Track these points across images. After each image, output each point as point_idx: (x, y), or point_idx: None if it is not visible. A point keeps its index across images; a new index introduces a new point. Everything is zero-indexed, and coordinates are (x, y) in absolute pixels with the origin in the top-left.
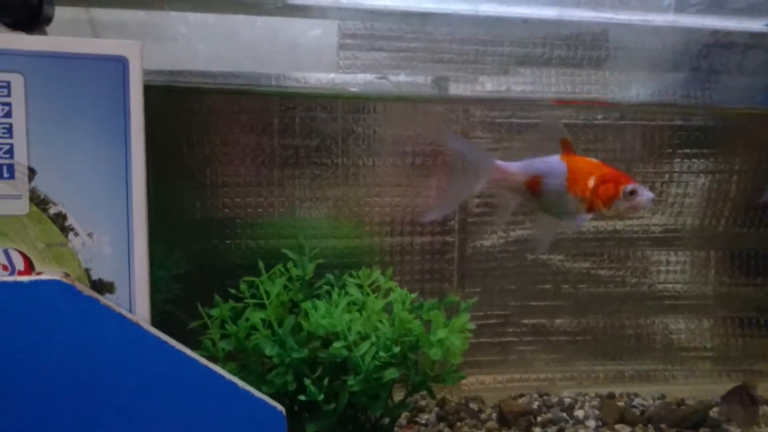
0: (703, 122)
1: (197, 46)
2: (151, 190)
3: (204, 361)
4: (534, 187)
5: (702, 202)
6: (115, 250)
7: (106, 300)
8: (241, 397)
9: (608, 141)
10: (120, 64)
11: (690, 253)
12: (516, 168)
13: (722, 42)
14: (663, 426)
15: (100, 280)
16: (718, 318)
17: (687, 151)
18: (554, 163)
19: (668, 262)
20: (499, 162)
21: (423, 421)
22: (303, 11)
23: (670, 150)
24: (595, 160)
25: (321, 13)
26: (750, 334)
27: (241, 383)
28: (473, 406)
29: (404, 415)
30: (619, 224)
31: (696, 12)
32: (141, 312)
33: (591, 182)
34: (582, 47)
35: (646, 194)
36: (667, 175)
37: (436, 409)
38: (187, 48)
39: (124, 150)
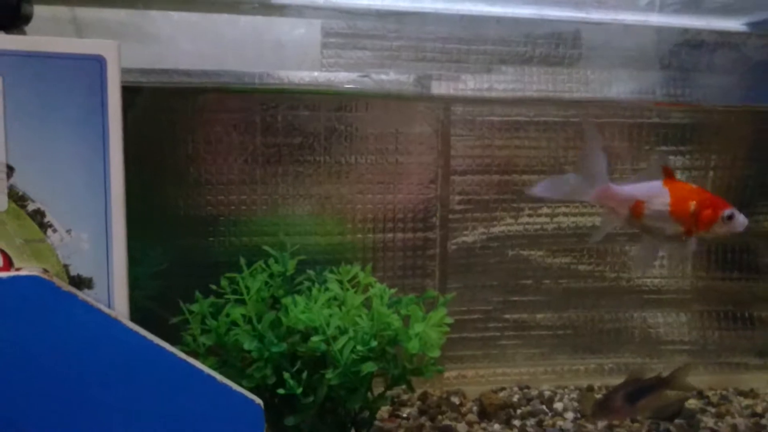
0: (680, 120)
1: (181, 45)
2: (135, 188)
3: (182, 356)
4: (636, 212)
5: None
6: (94, 247)
7: (84, 295)
8: (220, 391)
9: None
10: (97, 63)
11: (667, 248)
12: (623, 192)
13: (700, 41)
14: (640, 417)
15: (79, 276)
16: (695, 312)
17: (664, 148)
18: (657, 189)
19: None
20: (611, 184)
21: (405, 415)
22: (286, 10)
23: (648, 147)
24: (694, 186)
25: (304, 12)
26: (727, 327)
27: (219, 377)
28: (454, 399)
29: (386, 409)
30: (598, 220)
31: (674, 11)
32: (120, 307)
33: (692, 207)
34: (563, 46)
35: (741, 218)
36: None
37: (418, 403)
38: (171, 47)
39: (102, 148)
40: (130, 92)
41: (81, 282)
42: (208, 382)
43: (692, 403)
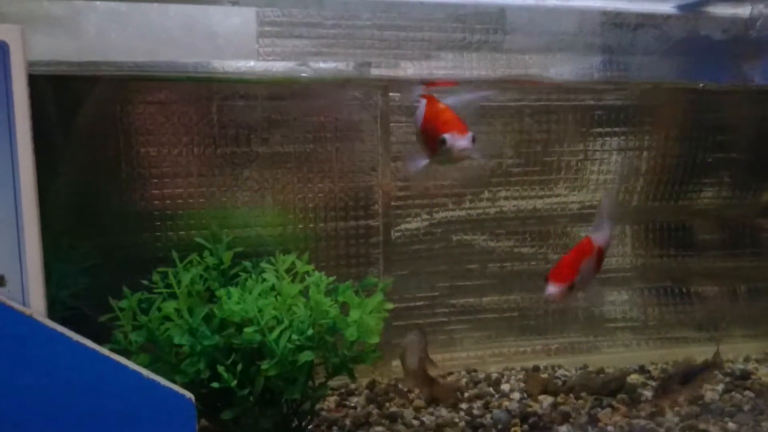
0: (614, 102)
1: (109, 36)
2: (65, 182)
3: (106, 352)
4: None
5: (616, 178)
6: (4, 243)
7: None
8: (147, 387)
9: (525, 122)
10: None
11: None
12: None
13: (636, 24)
14: (583, 394)
15: None
16: (636, 289)
17: (600, 130)
18: (422, 105)
19: None
20: None
21: (352, 404)
22: None
23: (584, 129)
24: (446, 109)
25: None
26: (666, 303)
27: (146, 372)
28: (403, 386)
29: (333, 399)
30: (539, 203)
31: None
32: (36, 305)
33: (429, 128)
34: (501, 31)
35: (457, 143)
36: (581, 154)
37: (366, 391)
38: (99, 38)
39: (9, 139)
40: (59, 84)
41: None
42: (134, 377)
43: (634, 377)
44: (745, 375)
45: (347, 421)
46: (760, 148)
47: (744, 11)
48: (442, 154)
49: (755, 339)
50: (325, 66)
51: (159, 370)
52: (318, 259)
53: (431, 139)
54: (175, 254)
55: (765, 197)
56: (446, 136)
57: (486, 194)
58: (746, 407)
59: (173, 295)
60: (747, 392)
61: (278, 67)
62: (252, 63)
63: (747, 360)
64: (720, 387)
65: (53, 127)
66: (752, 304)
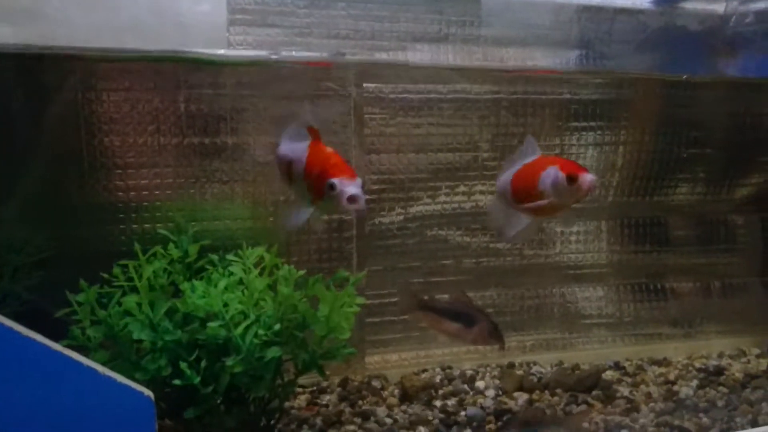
0: (590, 96)
1: (74, 22)
2: (25, 173)
3: (57, 347)
4: (287, 172)
5: (592, 173)
6: None
7: None
8: (103, 384)
9: (501, 115)
10: None
11: (583, 223)
12: (279, 151)
13: (611, 18)
14: (559, 391)
15: None
16: (611, 285)
17: (576, 124)
18: (301, 149)
19: (563, 233)
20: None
21: (324, 402)
22: None
23: (560, 123)
24: (332, 152)
25: None
26: (641, 299)
27: (101, 369)
28: (376, 384)
29: (304, 397)
30: None
31: None
32: None
33: (315, 172)
34: (477, 24)
35: (346, 189)
36: (558, 149)
37: (339, 389)
38: (63, 25)
39: None
40: (17, 69)
41: None
42: (89, 374)
43: (609, 374)
44: (719, 371)
45: (318, 420)
46: (734, 144)
47: (719, 7)
48: (327, 201)
49: (729, 335)
50: (298, 55)
51: (118, 367)
52: (290, 253)
53: (315, 186)
54: (137, 246)
55: (739, 193)
56: (334, 181)
57: (461, 188)
58: (720, 403)
59: (135, 290)
60: (721, 388)
61: (249, 56)
62: (222, 52)
63: (721, 356)
64: (694, 383)
65: (10, 113)
66: (726, 300)
